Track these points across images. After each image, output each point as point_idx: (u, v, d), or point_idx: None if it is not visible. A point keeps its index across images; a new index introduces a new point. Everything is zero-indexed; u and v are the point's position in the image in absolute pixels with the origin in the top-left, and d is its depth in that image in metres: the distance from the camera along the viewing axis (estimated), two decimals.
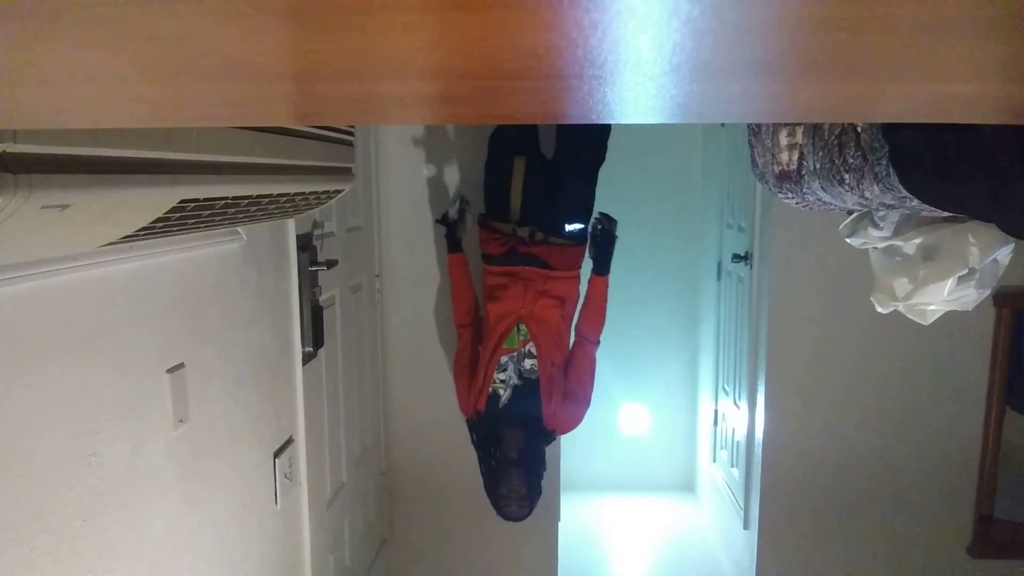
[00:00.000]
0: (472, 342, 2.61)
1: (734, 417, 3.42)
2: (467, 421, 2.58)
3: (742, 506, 3.21)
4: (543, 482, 2.50)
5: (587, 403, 2.55)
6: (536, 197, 2.57)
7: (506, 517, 2.45)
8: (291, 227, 1.95)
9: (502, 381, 2.47)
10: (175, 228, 1.07)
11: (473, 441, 2.54)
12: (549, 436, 2.51)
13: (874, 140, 1.12)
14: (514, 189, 2.57)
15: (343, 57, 0.36)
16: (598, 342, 2.58)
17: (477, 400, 2.49)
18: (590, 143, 2.59)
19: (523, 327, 2.49)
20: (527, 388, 2.46)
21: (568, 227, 2.58)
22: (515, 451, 2.41)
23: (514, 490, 2.40)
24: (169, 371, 1.35)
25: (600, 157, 2.63)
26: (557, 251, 2.54)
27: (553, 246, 2.54)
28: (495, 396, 2.47)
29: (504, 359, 2.48)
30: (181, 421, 1.38)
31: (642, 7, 0.29)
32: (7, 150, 0.68)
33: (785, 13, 0.30)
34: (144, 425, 1.27)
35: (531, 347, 2.48)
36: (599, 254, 2.54)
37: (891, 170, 1.10)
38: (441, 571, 3.15)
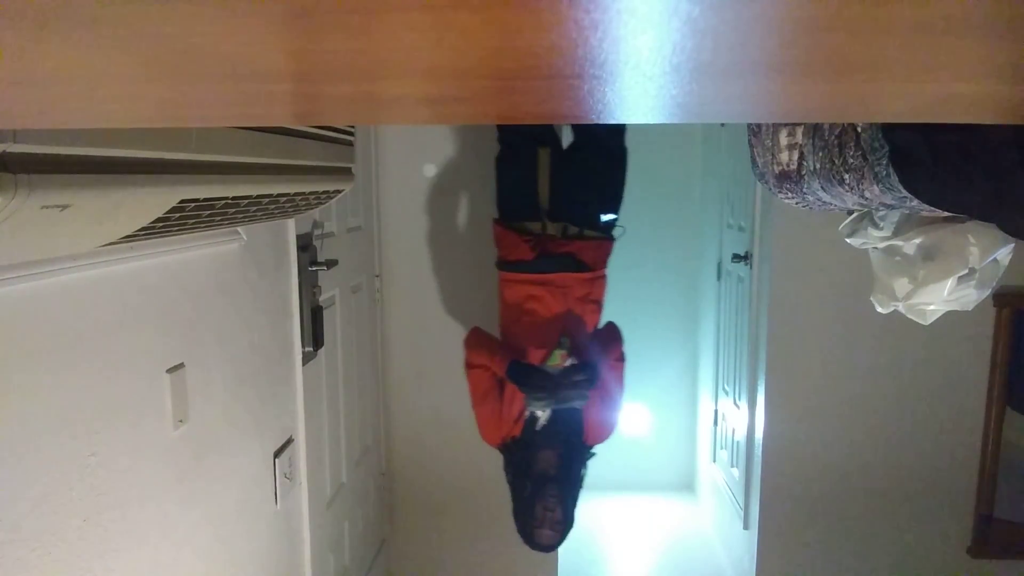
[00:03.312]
0: (490, 371, 2.31)
1: (734, 417, 3.42)
2: (499, 448, 2.33)
3: (742, 506, 3.21)
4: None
5: (618, 409, 2.36)
6: (565, 189, 2.36)
7: (536, 544, 2.21)
8: (291, 227, 1.95)
9: (538, 401, 2.22)
10: (175, 228, 1.07)
11: (505, 469, 2.30)
12: (587, 452, 2.30)
13: (874, 140, 1.12)
14: (541, 183, 2.36)
15: (343, 57, 0.36)
16: (622, 357, 2.38)
17: (511, 428, 2.25)
18: (608, 125, 2.38)
19: (566, 340, 2.27)
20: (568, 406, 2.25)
21: (603, 217, 2.38)
22: (554, 469, 2.19)
23: (550, 508, 2.15)
24: (169, 371, 1.35)
25: (623, 134, 2.43)
26: (592, 247, 2.35)
27: (587, 241, 2.35)
28: (532, 420, 2.23)
29: None
30: (181, 421, 1.38)
31: (642, 7, 0.29)
32: (7, 150, 0.68)
33: (785, 13, 0.30)
34: (144, 425, 1.27)
35: (572, 360, 2.25)
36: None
37: (891, 170, 1.10)
38: (441, 571, 3.15)
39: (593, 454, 2.32)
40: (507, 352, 2.30)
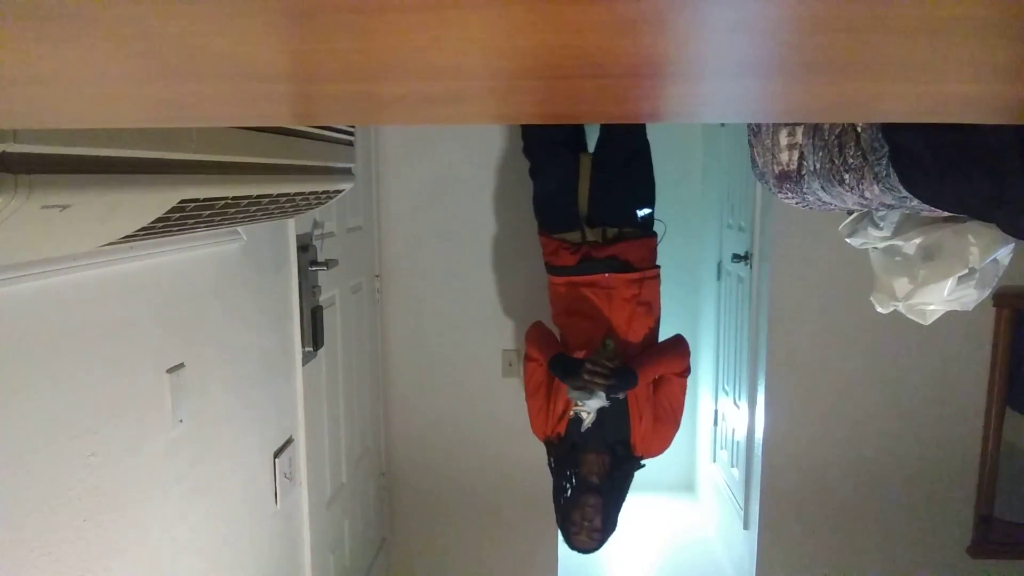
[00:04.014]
0: (543, 365, 2.32)
1: (734, 417, 3.42)
2: (544, 442, 2.32)
3: (742, 506, 3.21)
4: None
5: (677, 425, 2.30)
6: (600, 191, 2.35)
7: (573, 547, 2.20)
8: (291, 227, 1.95)
9: (583, 403, 2.18)
10: (175, 228, 1.07)
11: (549, 464, 2.28)
12: (636, 463, 2.25)
13: (874, 140, 1.12)
14: (582, 191, 2.35)
15: (343, 57, 0.36)
16: (685, 373, 2.34)
17: (556, 426, 2.24)
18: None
19: (610, 343, 2.26)
20: (614, 410, 2.19)
21: (640, 212, 2.35)
22: (596, 476, 2.15)
23: (588, 518, 2.13)
24: (169, 371, 1.35)
25: (644, 126, 2.40)
26: (635, 246, 2.32)
27: (629, 241, 2.33)
28: (576, 421, 2.20)
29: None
30: (181, 421, 1.38)
31: (641, 8, 0.29)
32: (7, 150, 0.68)
33: (785, 13, 0.30)
34: (144, 425, 1.27)
35: (616, 364, 2.22)
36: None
37: (891, 170, 1.10)
38: (441, 571, 3.15)
39: (642, 465, 2.28)
40: (556, 347, 2.32)
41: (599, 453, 2.18)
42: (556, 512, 2.23)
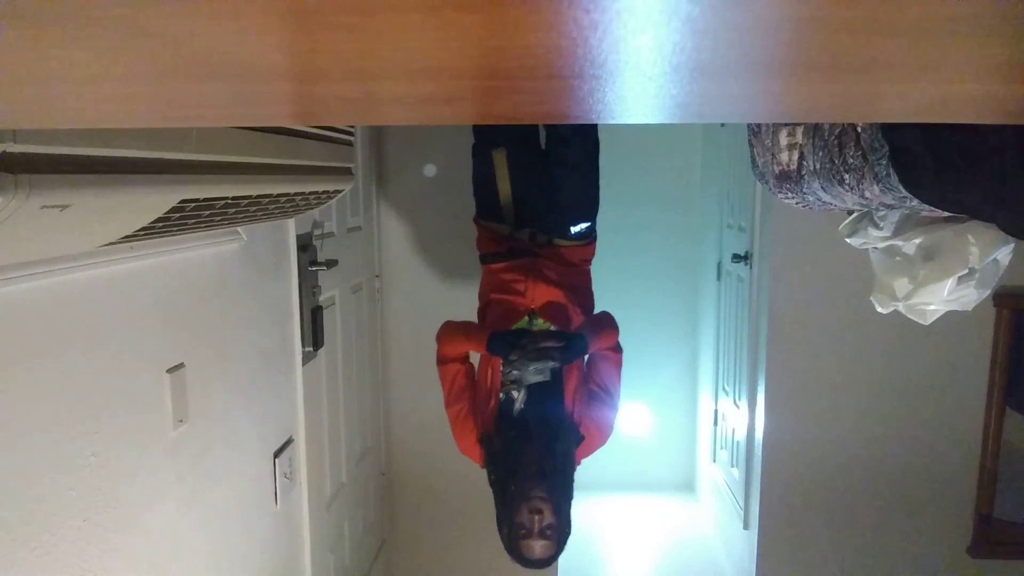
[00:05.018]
0: (465, 366, 2.17)
1: (734, 417, 3.42)
2: (484, 457, 2.07)
3: (742, 506, 3.21)
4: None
5: (615, 407, 2.12)
6: (533, 196, 2.27)
7: (528, 560, 1.88)
8: (291, 227, 1.95)
9: (513, 382, 2.04)
10: (175, 228, 1.07)
11: (490, 480, 2.04)
12: (577, 437, 2.04)
13: (874, 140, 1.12)
14: (501, 188, 2.25)
15: (343, 57, 0.36)
16: (618, 348, 2.16)
17: (486, 410, 2.06)
18: (578, 129, 2.20)
19: (536, 315, 2.15)
20: (546, 384, 2.03)
21: (574, 228, 2.27)
22: (536, 464, 1.92)
23: (536, 511, 1.86)
24: (169, 371, 1.34)
25: (594, 140, 2.30)
26: (564, 251, 2.26)
27: (559, 248, 2.26)
28: (508, 401, 2.03)
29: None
30: (181, 421, 1.38)
31: (642, 7, 0.29)
32: (7, 150, 0.68)
33: (785, 13, 0.30)
34: (144, 425, 1.27)
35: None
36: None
37: (891, 170, 1.10)
38: (441, 571, 3.15)
39: (582, 437, 2.06)
40: (485, 328, 2.15)
41: (541, 436, 1.97)
42: (499, 526, 1.97)
